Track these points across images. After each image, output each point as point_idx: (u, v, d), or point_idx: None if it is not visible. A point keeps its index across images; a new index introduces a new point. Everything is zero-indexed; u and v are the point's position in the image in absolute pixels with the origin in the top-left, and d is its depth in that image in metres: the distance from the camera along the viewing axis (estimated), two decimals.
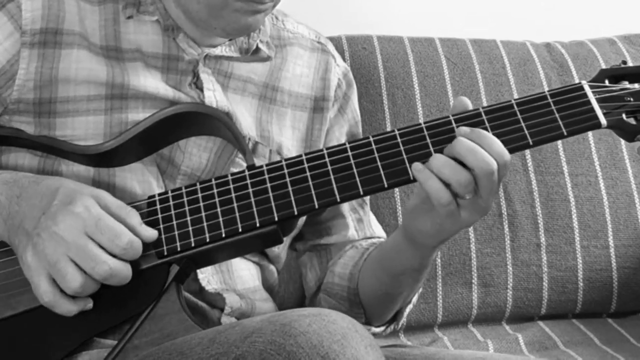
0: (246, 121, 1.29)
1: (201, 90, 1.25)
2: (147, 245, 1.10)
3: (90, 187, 1.13)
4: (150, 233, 1.10)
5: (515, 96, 1.82)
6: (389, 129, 1.75)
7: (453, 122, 1.11)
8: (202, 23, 1.23)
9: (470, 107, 1.13)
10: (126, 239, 1.06)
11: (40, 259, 1.05)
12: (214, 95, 1.25)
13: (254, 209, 1.11)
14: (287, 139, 1.33)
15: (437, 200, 1.07)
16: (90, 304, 1.07)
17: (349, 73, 1.44)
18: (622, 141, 1.83)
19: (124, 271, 1.06)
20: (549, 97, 1.12)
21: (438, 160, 1.07)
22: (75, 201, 1.07)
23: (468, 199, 1.09)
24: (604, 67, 1.87)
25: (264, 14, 1.22)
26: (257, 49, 1.31)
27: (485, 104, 1.80)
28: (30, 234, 1.07)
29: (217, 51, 1.27)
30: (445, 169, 1.06)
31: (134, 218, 1.10)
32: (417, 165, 1.08)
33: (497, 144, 1.08)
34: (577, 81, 1.85)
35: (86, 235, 1.05)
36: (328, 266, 1.38)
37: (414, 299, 1.36)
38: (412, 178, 1.10)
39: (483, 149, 1.07)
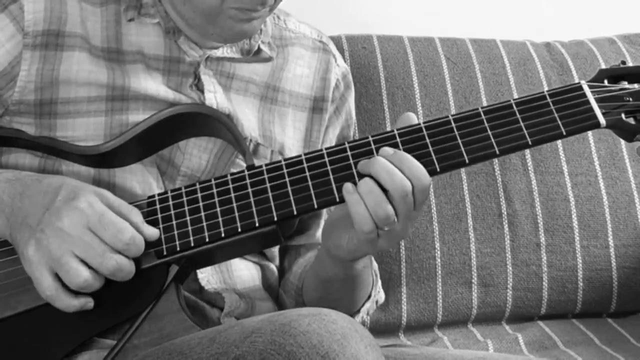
0: (249, 122, 1.29)
1: (202, 92, 1.25)
2: (146, 245, 1.10)
3: (92, 185, 1.13)
4: (152, 231, 1.11)
5: (515, 96, 1.82)
6: (388, 129, 1.76)
7: (452, 121, 1.12)
8: (199, 29, 1.23)
9: (416, 121, 1.13)
10: (129, 235, 1.06)
11: (44, 254, 1.05)
12: (214, 97, 1.25)
13: (253, 209, 1.11)
14: (290, 139, 1.33)
15: (359, 226, 1.07)
16: (90, 304, 1.07)
17: (349, 75, 1.44)
18: (622, 141, 1.82)
19: (128, 266, 1.06)
20: (548, 97, 1.12)
21: (366, 185, 1.07)
22: (79, 197, 1.07)
23: (387, 229, 1.09)
24: (604, 66, 1.87)
25: (260, 20, 1.22)
26: (259, 50, 1.31)
27: (485, 104, 1.81)
28: (33, 229, 1.07)
29: (219, 53, 1.27)
30: (369, 197, 1.06)
31: (136, 216, 1.10)
32: (348, 187, 1.08)
33: (417, 166, 1.07)
34: (577, 81, 1.86)
35: (90, 231, 1.05)
36: (293, 264, 1.39)
37: (367, 309, 1.35)
38: None
39: (401, 170, 1.07)
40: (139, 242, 1.08)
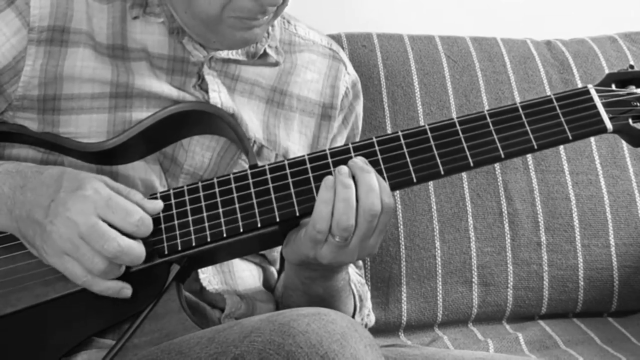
0: (253, 124, 1.28)
1: (206, 91, 1.25)
2: (147, 244, 1.09)
3: (90, 172, 1.13)
4: (155, 204, 1.11)
5: (516, 94, 1.82)
6: (388, 128, 1.76)
7: (457, 124, 1.11)
8: (201, 36, 1.23)
9: None
10: (138, 216, 1.07)
11: (60, 246, 1.05)
12: (219, 96, 1.25)
13: (256, 209, 1.11)
14: (294, 144, 1.32)
15: (315, 221, 1.07)
16: (129, 291, 1.09)
17: (358, 83, 1.43)
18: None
19: (136, 249, 1.06)
20: (554, 100, 1.12)
21: (347, 188, 1.06)
22: (84, 185, 1.07)
23: (337, 240, 1.07)
24: (605, 65, 1.87)
25: (262, 27, 1.22)
26: (265, 54, 1.31)
27: (485, 102, 1.81)
28: (41, 223, 1.07)
29: (224, 54, 1.27)
30: (340, 203, 1.06)
31: (136, 195, 1.11)
32: (328, 182, 1.07)
33: (389, 193, 1.08)
34: (578, 79, 1.86)
35: (97, 216, 1.05)
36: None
37: None
38: (414, 181, 1.10)
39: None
40: (148, 222, 1.08)
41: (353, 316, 1.33)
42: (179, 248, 1.11)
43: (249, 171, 1.13)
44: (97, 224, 1.05)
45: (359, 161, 1.09)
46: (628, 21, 2.08)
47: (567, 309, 1.78)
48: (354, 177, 1.08)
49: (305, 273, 1.19)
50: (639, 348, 1.65)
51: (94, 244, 1.04)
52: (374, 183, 1.07)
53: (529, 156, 1.79)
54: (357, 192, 1.07)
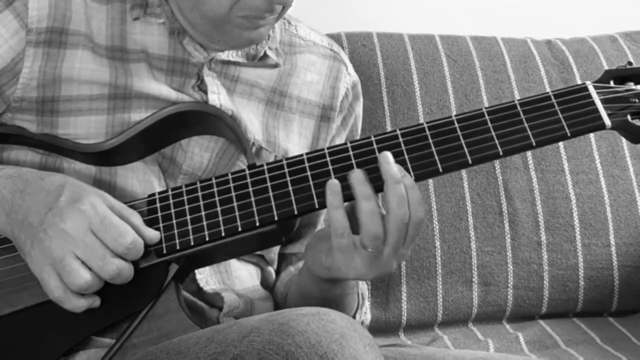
0: (253, 125, 1.28)
1: (205, 92, 1.25)
2: (146, 245, 1.09)
3: (92, 187, 1.13)
4: (153, 234, 1.11)
5: (516, 93, 1.82)
6: (388, 127, 1.75)
7: (455, 122, 1.11)
8: (206, 35, 1.23)
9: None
10: (130, 239, 1.06)
11: (47, 255, 1.05)
12: (218, 98, 1.25)
13: (254, 208, 1.11)
14: (294, 145, 1.32)
15: (335, 228, 1.06)
16: (97, 302, 1.08)
17: (358, 85, 1.43)
18: (624, 139, 1.82)
19: (127, 270, 1.07)
20: (552, 97, 1.12)
21: (368, 204, 1.05)
22: (82, 199, 1.07)
23: (370, 251, 1.07)
24: (605, 64, 1.87)
25: (267, 28, 1.22)
26: (265, 55, 1.31)
27: (485, 102, 1.81)
28: (35, 229, 1.07)
29: (224, 56, 1.27)
30: (365, 216, 1.04)
31: (137, 218, 1.10)
32: (334, 186, 1.06)
33: (419, 198, 1.06)
34: (578, 78, 1.86)
35: (92, 234, 1.05)
36: (283, 271, 1.38)
37: None
38: (413, 178, 1.10)
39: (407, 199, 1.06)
40: (140, 246, 1.08)
41: (355, 313, 1.33)
42: (178, 248, 1.11)
43: (247, 171, 1.13)
44: (96, 244, 1.05)
45: (394, 172, 1.06)
46: (628, 21, 2.08)
47: (568, 309, 1.78)
48: (385, 185, 1.06)
49: (327, 283, 1.18)
50: (639, 348, 1.65)
51: (92, 263, 1.04)
52: (402, 193, 1.05)
53: (529, 156, 1.79)
54: (388, 202, 1.05)
